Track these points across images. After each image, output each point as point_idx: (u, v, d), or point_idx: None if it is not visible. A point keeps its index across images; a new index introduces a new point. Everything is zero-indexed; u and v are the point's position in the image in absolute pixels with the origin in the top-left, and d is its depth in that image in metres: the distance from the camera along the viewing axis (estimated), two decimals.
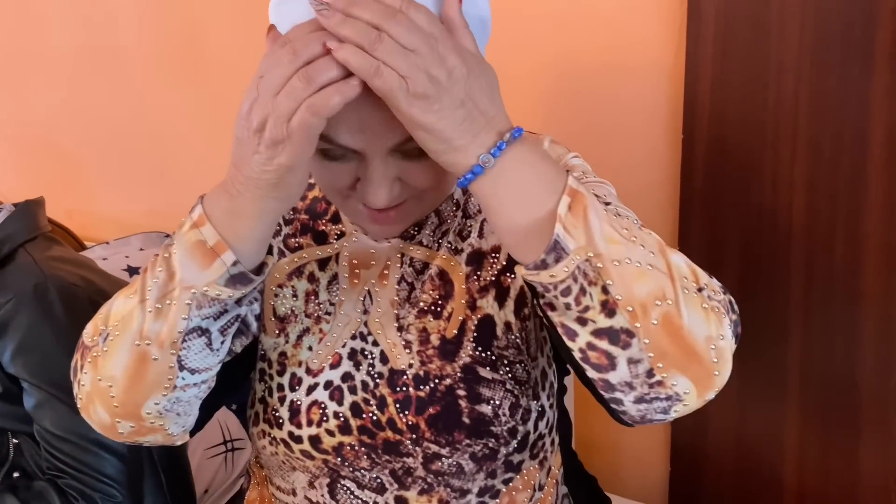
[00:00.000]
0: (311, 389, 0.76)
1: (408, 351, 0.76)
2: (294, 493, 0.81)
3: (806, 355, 1.08)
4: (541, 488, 0.81)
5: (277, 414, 0.77)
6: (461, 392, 0.74)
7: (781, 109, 1.03)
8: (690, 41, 1.08)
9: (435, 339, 0.76)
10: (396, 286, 0.77)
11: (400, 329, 0.76)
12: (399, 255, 0.78)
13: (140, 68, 1.69)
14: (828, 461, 1.09)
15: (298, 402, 0.76)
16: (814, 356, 1.08)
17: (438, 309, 0.76)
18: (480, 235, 0.78)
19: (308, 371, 0.77)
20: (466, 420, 0.73)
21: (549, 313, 0.61)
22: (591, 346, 0.60)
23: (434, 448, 0.74)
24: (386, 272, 0.78)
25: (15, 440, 0.97)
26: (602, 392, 0.63)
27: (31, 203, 1.10)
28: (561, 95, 1.22)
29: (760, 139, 1.05)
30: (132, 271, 1.39)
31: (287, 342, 0.78)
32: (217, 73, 1.57)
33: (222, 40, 1.55)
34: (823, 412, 1.09)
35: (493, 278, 0.77)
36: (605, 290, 0.58)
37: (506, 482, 0.78)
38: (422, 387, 0.74)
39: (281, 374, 0.78)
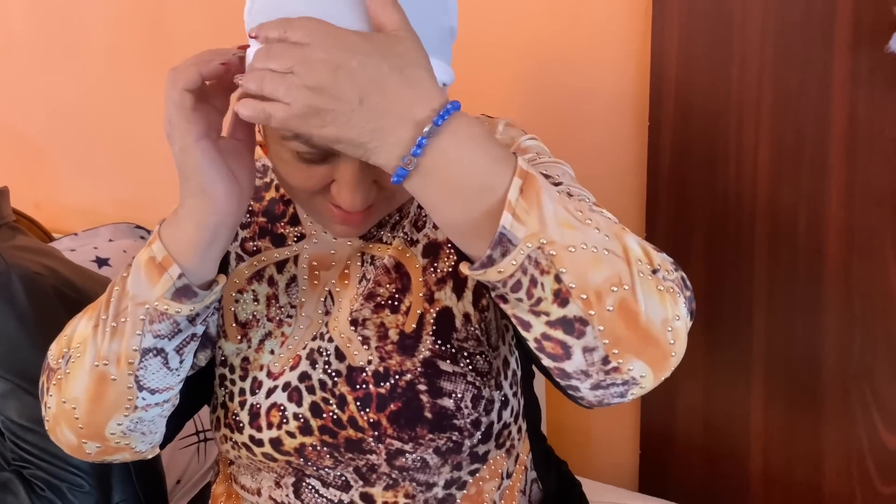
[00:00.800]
0: (270, 392, 0.75)
1: (366, 347, 0.75)
2: (259, 493, 0.81)
3: (770, 338, 1.10)
4: (508, 476, 0.81)
5: (238, 418, 0.76)
6: (422, 387, 0.73)
7: (745, 96, 1.05)
8: (656, 29, 1.09)
9: (393, 335, 0.75)
10: (358, 286, 0.77)
11: (354, 323, 0.75)
12: (360, 255, 0.77)
13: (105, 56, 1.67)
14: (792, 442, 1.11)
15: (258, 406, 0.75)
16: (777, 339, 1.09)
17: (396, 303, 0.75)
18: (436, 226, 0.76)
19: (269, 374, 0.76)
20: (428, 415, 0.73)
21: (503, 305, 0.59)
22: (545, 336, 0.58)
23: (397, 444, 0.74)
24: (347, 272, 0.77)
25: None
26: (558, 380, 0.62)
27: None
28: (528, 84, 1.22)
29: (725, 126, 1.07)
30: (101, 262, 1.37)
31: (249, 347, 0.78)
32: (182, 60, 1.56)
33: (188, 27, 1.54)
34: (787, 395, 1.10)
35: (451, 269, 0.76)
36: (557, 278, 0.55)
37: (472, 473, 0.78)
38: (382, 383, 0.74)
39: (243, 378, 0.77)
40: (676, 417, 1.19)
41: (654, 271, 0.59)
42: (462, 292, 0.76)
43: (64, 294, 0.96)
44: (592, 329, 0.57)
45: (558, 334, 0.57)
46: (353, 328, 0.75)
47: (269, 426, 0.75)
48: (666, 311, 0.58)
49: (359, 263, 0.77)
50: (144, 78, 1.62)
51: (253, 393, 0.76)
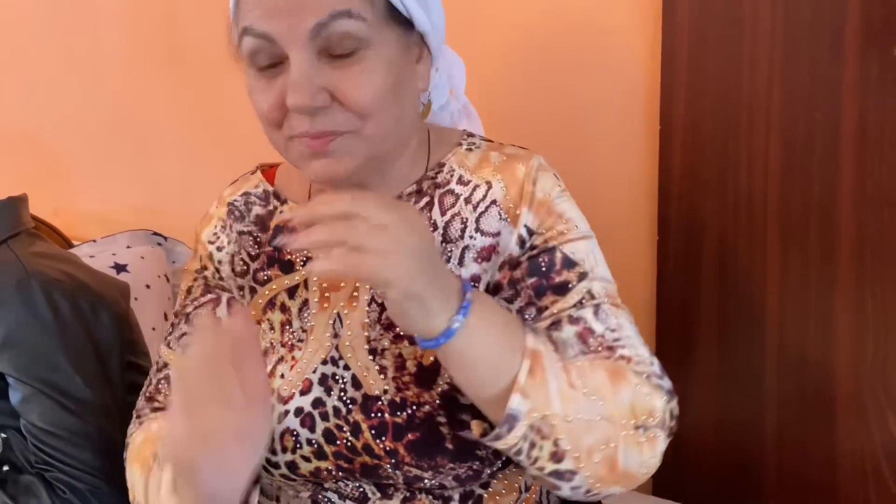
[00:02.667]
0: (282, 417, 0.75)
1: (382, 377, 0.74)
2: (278, 500, 0.82)
3: (783, 340, 1.09)
4: (527, 489, 0.81)
5: None
6: (441, 419, 0.73)
7: (755, 100, 1.05)
8: (666, 32, 1.09)
9: (411, 366, 0.74)
10: (367, 308, 0.76)
11: (373, 353, 0.75)
12: None
13: (121, 64, 1.69)
14: (806, 445, 1.11)
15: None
16: (790, 340, 1.09)
17: None
18: (461, 264, 0.76)
19: (279, 399, 0.76)
20: (450, 445, 0.72)
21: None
22: (537, 478, 0.69)
23: (415, 471, 0.73)
24: (356, 294, 0.77)
25: (3, 434, 0.97)
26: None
27: (14, 199, 1.11)
28: (537, 87, 1.23)
29: (735, 129, 1.07)
30: (119, 268, 1.39)
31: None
32: (198, 67, 1.57)
33: (203, 35, 1.55)
34: (801, 396, 1.10)
35: None
36: (555, 443, 0.65)
37: (485, 486, 0.78)
38: (398, 413, 0.73)
39: None
40: (690, 420, 1.18)
41: (637, 427, 0.69)
42: None
43: (82, 299, 0.97)
44: (580, 476, 0.67)
45: (551, 479, 0.68)
46: (370, 357, 0.75)
47: (284, 450, 0.75)
48: (643, 457, 0.69)
49: (368, 286, 0.77)
50: (161, 84, 1.64)
51: None
